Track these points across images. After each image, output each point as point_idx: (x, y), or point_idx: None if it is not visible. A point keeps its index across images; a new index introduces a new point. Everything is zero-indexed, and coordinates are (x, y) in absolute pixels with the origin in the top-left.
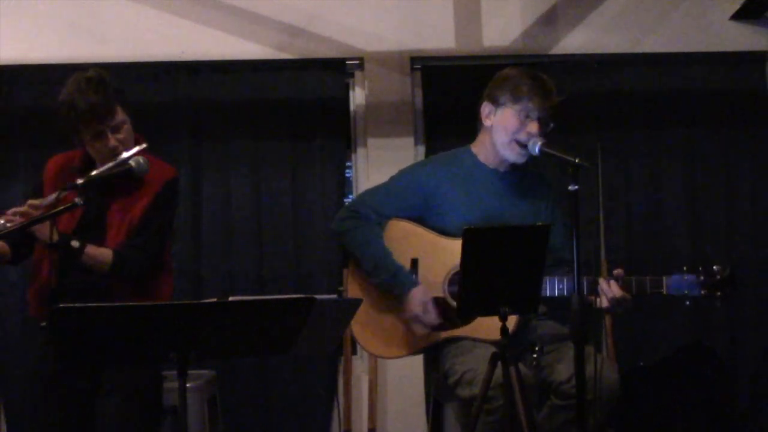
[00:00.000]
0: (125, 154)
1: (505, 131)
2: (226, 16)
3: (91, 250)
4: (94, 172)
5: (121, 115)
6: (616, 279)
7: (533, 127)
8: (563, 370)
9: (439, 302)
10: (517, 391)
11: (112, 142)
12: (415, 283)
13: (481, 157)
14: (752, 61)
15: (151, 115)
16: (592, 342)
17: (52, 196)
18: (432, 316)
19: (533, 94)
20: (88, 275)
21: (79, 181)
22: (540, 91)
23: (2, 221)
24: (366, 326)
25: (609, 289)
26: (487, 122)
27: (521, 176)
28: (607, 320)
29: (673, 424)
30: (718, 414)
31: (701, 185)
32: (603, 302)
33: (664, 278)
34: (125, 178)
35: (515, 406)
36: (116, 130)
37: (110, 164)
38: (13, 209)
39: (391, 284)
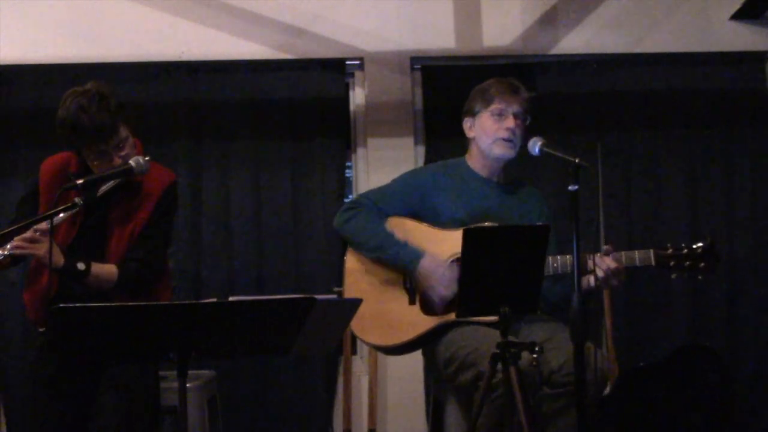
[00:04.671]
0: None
1: (486, 135)
2: (226, 16)
3: (97, 269)
4: (95, 175)
5: (124, 132)
6: (607, 254)
7: (509, 122)
8: (554, 358)
9: None
10: (517, 391)
11: (116, 161)
12: (423, 253)
13: (474, 167)
14: (752, 61)
15: (151, 115)
16: (592, 340)
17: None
18: (453, 274)
19: (500, 92)
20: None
21: (79, 181)
22: (506, 89)
23: (8, 247)
24: (363, 315)
25: (602, 262)
26: (470, 134)
27: (515, 189)
28: (607, 320)
29: (673, 424)
30: (718, 414)
31: (701, 185)
32: (599, 273)
33: (652, 251)
34: (124, 185)
35: (515, 405)
36: (119, 147)
37: (111, 170)
38: (21, 236)
39: (399, 256)
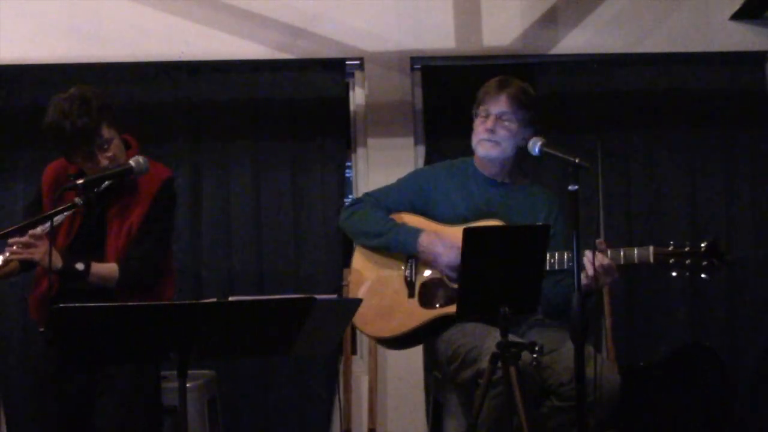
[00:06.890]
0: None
1: (474, 136)
2: (226, 16)
3: (97, 268)
4: (95, 175)
5: (107, 133)
6: (600, 250)
7: (488, 122)
8: (563, 371)
9: (436, 283)
10: (517, 391)
11: (102, 162)
12: (421, 230)
13: (479, 167)
14: (752, 61)
15: (151, 115)
16: (592, 342)
17: (47, 226)
18: (454, 248)
19: (485, 94)
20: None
21: (79, 181)
22: (490, 89)
23: (7, 254)
24: (365, 306)
25: (595, 260)
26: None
27: (522, 189)
28: (607, 320)
29: (673, 424)
30: (718, 414)
31: (701, 185)
32: (589, 270)
33: (651, 248)
34: (120, 184)
35: (515, 405)
36: (104, 148)
37: (111, 170)
38: (15, 239)
39: (399, 237)
